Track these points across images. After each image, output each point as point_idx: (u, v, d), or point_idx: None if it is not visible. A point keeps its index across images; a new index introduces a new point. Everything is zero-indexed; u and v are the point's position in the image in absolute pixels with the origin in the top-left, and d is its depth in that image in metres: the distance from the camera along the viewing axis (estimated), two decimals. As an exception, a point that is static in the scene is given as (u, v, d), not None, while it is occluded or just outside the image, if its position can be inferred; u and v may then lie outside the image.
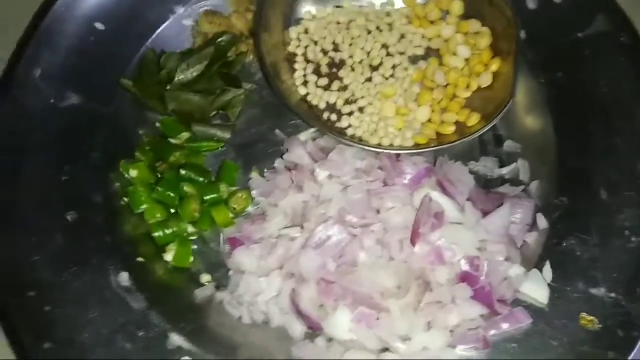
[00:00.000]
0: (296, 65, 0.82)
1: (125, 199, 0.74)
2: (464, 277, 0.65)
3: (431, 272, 0.65)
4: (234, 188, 0.77)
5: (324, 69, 0.82)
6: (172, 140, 0.77)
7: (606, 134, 0.73)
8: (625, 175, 0.70)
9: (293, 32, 0.83)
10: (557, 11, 0.79)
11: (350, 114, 0.79)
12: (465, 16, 0.81)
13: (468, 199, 0.70)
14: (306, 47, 0.83)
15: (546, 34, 0.79)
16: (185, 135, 0.78)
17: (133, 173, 0.74)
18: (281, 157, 0.78)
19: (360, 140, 0.77)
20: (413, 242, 0.66)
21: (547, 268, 0.68)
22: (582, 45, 0.77)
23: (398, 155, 0.74)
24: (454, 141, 0.73)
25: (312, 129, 0.78)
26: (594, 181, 0.71)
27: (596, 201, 0.70)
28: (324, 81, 0.81)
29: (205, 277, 0.73)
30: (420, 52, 0.82)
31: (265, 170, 0.78)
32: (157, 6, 0.81)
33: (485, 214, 0.69)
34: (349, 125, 0.78)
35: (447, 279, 0.66)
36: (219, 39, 0.79)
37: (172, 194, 0.73)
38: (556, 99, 0.76)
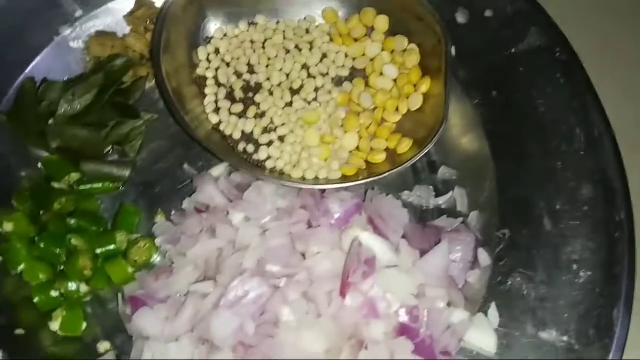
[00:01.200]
0: (206, 90, 0.72)
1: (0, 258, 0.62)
2: (403, 330, 0.57)
3: (365, 326, 0.57)
4: (134, 236, 0.66)
5: (238, 94, 0.72)
6: (56, 185, 0.65)
7: (546, 157, 0.67)
8: (568, 203, 0.64)
9: (202, 52, 0.73)
10: (488, 26, 0.73)
11: (269, 144, 0.70)
12: (392, 32, 0.74)
13: (403, 237, 0.63)
14: (217, 69, 0.73)
15: (478, 50, 0.72)
16: (74, 176, 0.66)
17: (8, 226, 0.62)
18: (189, 196, 0.68)
19: (281, 174, 0.68)
20: (343, 293, 0.57)
21: (493, 310, 0.61)
22: (516, 62, 0.71)
23: (323, 190, 0.65)
24: (385, 172, 0.65)
25: (226, 163, 0.69)
26: (536, 210, 0.65)
27: (540, 233, 0.64)
28: (238, 107, 0.71)
29: (103, 345, 0.62)
30: (344, 72, 0.74)
31: (173, 212, 0.68)
32: (39, 27, 0.70)
33: (422, 252, 0.62)
34: (268, 157, 0.69)
35: (384, 333, 0.57)
36: (110, 63, 0.68)
37: (56, 250, 0.62)
38: (491, 120, 0.70)
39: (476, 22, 0.73)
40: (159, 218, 0.67)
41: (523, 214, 0.65)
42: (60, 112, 0.65)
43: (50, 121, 0.66)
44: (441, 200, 0.69)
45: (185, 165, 0.70)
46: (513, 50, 0.71)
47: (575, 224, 0.64)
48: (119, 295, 0.63)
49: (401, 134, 0.70)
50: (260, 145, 0.70)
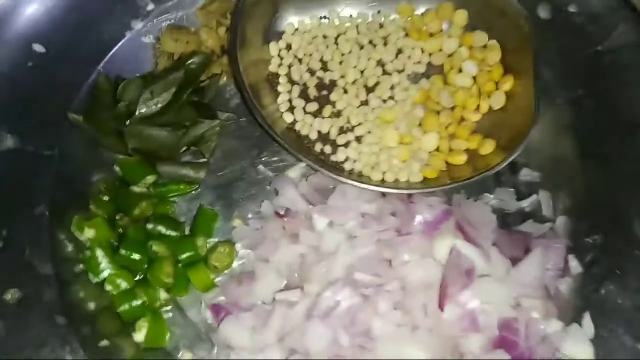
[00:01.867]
0: (280, 88, 0.70)
1: (81, 266, 0.60)
2: (501, 343, 0.56)
3: (463, 340, 0.56)
4: (213, 241, 0.64)
5: (313, 92, 0.70)
6: (135, 188, 0.63)
7: (636, 159, 0.65)
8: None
9: (273, 48, 0.71)
10: (573, 21, 0.69)
11: (346, 145, 0.68)
12: (471, 27, 0.71)
13: (493, 244, 0.61)
14: (290, 66, 0.71)
15: (562, 47, 0.69)
16: (150, 179, 0.64)
17: (89, 233, 0.60)
18: (269, 200, 0.66)
19: (360, 176, 0.66)
20: (442, 305, 0.55)
21: (587, 321, 0.60)
22: (602, 59, 0.68)
23: (409, 195, 0.63)
24: (471, 177, 0.63)
25: (303, 164, 0.67)
26: (627, 214, 0.63)
27: (632, 238, 0.62)
28: (313, 106, 0.69)
29: (186, 355, 0.60)
30: (421, 69, 0.72)
31: (250, 216, 0.66)
32: (111, 22, 0.68)
33: (512, 260, 0.60)
34: (347, 159, 0.67)
35: (481, 345, 0.56)
36: (189, 61, 0.66)
37: (138, 257, 0.60)
38: (577, 120, 0.68)
39: (560, 17, 0.70)
40: (237, 222, 0.66)
41: (614, 219, 0.63)
42: (138, 113, 0.63)
43: (127, 122, 0.63)
44: (525, 204, 0.67)
45: (260, 167, 0.68)
46: (599, 47, 0.68)
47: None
48: (202, 301, 0.62)
49: (482, 135, 0.68)
50: (338, 146, 0.68)
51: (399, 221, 0.61)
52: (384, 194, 0.64)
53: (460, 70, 0.71)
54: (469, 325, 0.55)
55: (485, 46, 0.71)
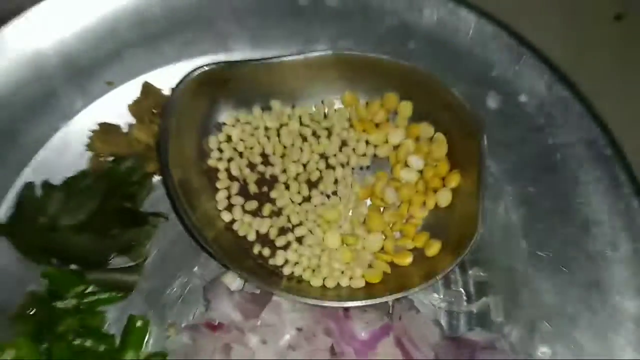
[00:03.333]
0: (218, 185, 0.67)
1: (0, 391, 0.58)
2: None
3: None
4: (145, 353, 0.61)
5: (253, 188, 0.67)
6: (61, 303, 0.60)
7: (589, 265, 0.62)
8: (612, 320, 0.59)
9: (213, 141, 0.68)
10: (523, 112, 0.67)
11: (286, 247, 0.65)
12: (417, 119, 0.68)
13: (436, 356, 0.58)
14: (229, 160, 0.68)
15: (511, 139, 0.67)
16: (79, 288, 0.62)
17: (10, 354, 0.57)
18: (201, 309, 0.63)
19: (300, 282, 0.63)
20: None
21: None
22: (553, 154, 0.65)
23: (347, 308, 0.60)
24: (416, 287, 0.60)
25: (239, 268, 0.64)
26: (578, 327, 0.60)
27: (582, 353, 0.59)
28: (252, 204, 0.66)
29: None
30: (366, 162, 0.69)
31: (184, 324, 0.63)
32: (38, 123, 0.65)
33: (456, 374, 0.57)
34: (286, 262, 0.64)
35: None
36: (120, 165, 0.63)
37: (64, 378, 0.57)
38: (528, 219, 0.65)
39: (509, 108, 0.67)
40: (171, 331, 0.63)
41: (565, 331, 0.60)
42: (62, 224, 0.60)
43: (51, 233, 0.61)
44: (474, 307, 0.64)
45: (196, 269, 0.66)
46: (550, 141, 0.66)
47: (621, 342, 0.59)
48: (129, 423, 0.59)
49: (429, 233, 0.65)
50: (277, 248, 0.65)
51: (333, 341, 0.58)
52: (320, 308, 0.61)
53: (406, 164, 0.68)
54: None
55: (431, 139, 0.68)
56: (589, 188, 0.64)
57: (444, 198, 0.66)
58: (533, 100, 0.67)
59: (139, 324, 0.62)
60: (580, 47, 0.78)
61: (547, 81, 0.67)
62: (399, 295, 0.60)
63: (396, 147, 0.69)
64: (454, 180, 0.66)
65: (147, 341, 0.62)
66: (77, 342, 0.60)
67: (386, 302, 0.62)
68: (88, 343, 0.60)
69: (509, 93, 0.67)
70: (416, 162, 0.67)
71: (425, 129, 0.68)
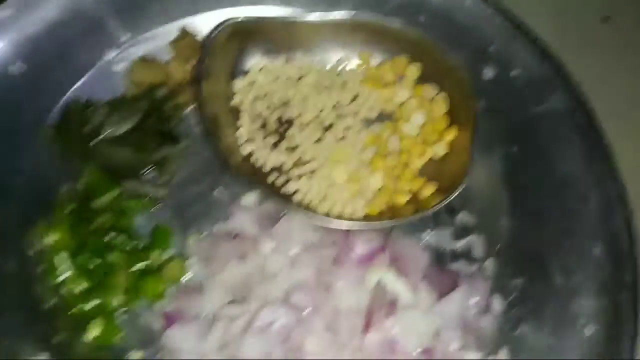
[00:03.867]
0: (241, 121, 0.76)
1: (42, 267, 0.65)
2: (419, 368, 0.61)
3: (384, 362, 0.60)
4: (168, 255, 0.69)
5: (272, 127, 0.76)
6: (98, 201, 0.68)
7: (562, 216, 0.71)
8: (580, 261, 0.68)
9: (238, 84, 0.77)
10: (514, 84, 0.77)
11: (298, 177, 0.74)
12: (422, 80, 0.78)
13: (423, 279, 0.66)
14: (252, 101, 0.77)
15: (502, 106, 0.76)
16: (113, 193, 0.69)
17: (52, 239, 0.65)
18: (222, 222, 0.71)
19: (307, 208, 0.72)
20: (366, 330, 0.60)
21: (503, 355, 0.65)
22: (537, 121, 0.75)
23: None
24: (408, 216, 0.69)
25: (256, 192, 0.72)
26: (548, 264, 0.69)
27: (551, 286, 0.68)
28: (270, 140, 0.75)
29: (135, 355, 0.64)
30: (373, 114, 0.78)
31: (204, 234, 0.71)
32: (85, 50, 0.73)
33: (439, 294, 0.66)
34: (297, 190, 0.73)
35: (400, 370, 0.61)
36: (155, 91, 0.72)
37: (95, 264, 0.65)
38: (511, 174, 0.74)
39: (502, 79, 0.77)
40: (191, 239, 0.70)
41: (536, 267, 0.69)
42: (105, 134, 0.68)
43: (93, 141, 0.69)
44: (458, 245, 0.73)
45: (218, 190, 0.73)
46: (536, 109, 0.76)
47: (584, 281, 0.67)
48: (153, 308, 0.66)
49: (425, 178, 0.74)
50: (290, 178, 0.74)
51: (337, 251, 0.66)
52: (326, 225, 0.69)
53: (409, 119, 0.77)
54: (388, 350, 0.60)
55: (433, 99, 0.78)
56: (566, 151, 0.73)
57: (440, 149, 0.75)
58: (523, 73, 0.77)
59: (164, 229, 0.69)
60: (568, 47, 0.87)
61: (536, 59, 0.77)
62: (394, 222, 0.69)
63: (402, 104, 0.78)
64: (451, 134, 0.75)
65: (170, 246, 0.70)
66: (109, 237, 0.67)
67: (383, 230, 0.71)
68: (118, 239, 0.67)
69: (503, 67, 0.77)
70: (418, 117, 0.77)
71: (429, 90, 0.78)
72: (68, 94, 0.72)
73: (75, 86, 0.73)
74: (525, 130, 0.76)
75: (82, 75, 0.73)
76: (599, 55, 0.87)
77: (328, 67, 0.79)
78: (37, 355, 0.60)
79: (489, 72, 0.78)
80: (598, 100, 0.74)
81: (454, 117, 0.76)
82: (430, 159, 0.76)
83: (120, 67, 0.75)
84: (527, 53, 0.77)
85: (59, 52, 0.72)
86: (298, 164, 0.74)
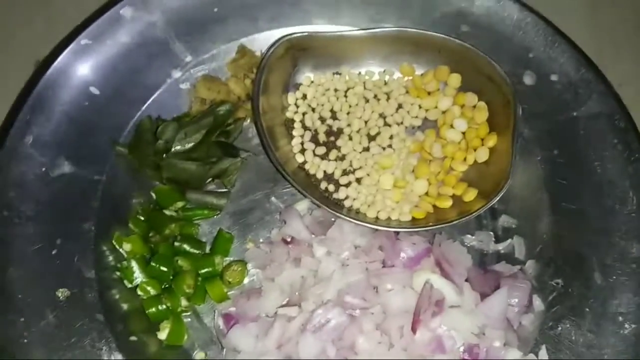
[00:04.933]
0: (294, 132, 0.82)
1: (119, 274, 0.72)
2: (464, 365, 0.66)
3: (431, 359, 0.65)
4: (228, 260, 0.76)
5: (322, 137, 0.81)
6: (167, 212, 0.75)
7: (601, 216, 0.74)
8: (618, 260, 0.71)
9: (291, 97, 0.83)
10: (554, 89, 0.79)
11: (347, 185, 0.79)
12: (463, 89, 0.82)
13: (466, 280, 0.71)
14: (304, 113, 0.82)
15: (542, 111, 0.79)
16: (179, 204, 0.76)
17: (127, 247, 0.72)
18: (278, 228, 0.77)
19: (357, 213, 0.77)
20: (414, 329, 0.65)
21: (543, 353, 0.69)
22: (577, 125, 0.78)
23: (397, 232, 0.74)
24: (453, 220, 0.73)
25: (309, 199, 0.78)
26: (588, 264, 0.72)
27: (590, 285, 0.71)
28: (321, 150, 0.80)
29: (199, 355, 0.71)
30: (417, 122, 0.82)
31: (261, 240, 0.77)
32: (155, 70, 0.80)
33: (482, 295, 0.70)
34: (347, 197, 0.78)
35: (447, 366, 0.66)
36: (218, 108, 0.78)
37: (166, 269, 0.72)
38: (552, 176, 0.77)
39: (542, 85, 0.80)
40: (250, 245, 0.77)
41: (576, 267, 0.72)
42: (174, 150, 0.75)
43: (163, 156, 0.76)
44: (501, 247, 0.77)
45: (273, 198, 0.79)
46: (575, 113, 0.78)
47: (624, 280, 0.70)
48: (215, 310, 0.73)
49: (467, 183, 0.78)
50: (340, 185, 0.79)
51: (385, 255, 0.71)
52: (375, 230, 0.74)
53: (451, 126, 0.81)
54: (436, 348, 0.65)
55: (474, 106, 0.81)
56: (604, 153, 0.76)
57: (482, 155, 0.79)
58: (562, 79, 0.79)
59: (225, 236, 0.76)
60: (606, 52, 0.88)
61: (575, 64, 0.79)
62: (439, 226, 0.74)
63: (444, 112, 0.82)
64: (492, 140, 0.79)
65: (230, 251, 0.76)
66: (177, 244, 0.74)
67: (429, 233, 0.75)
68: (185, 246, 0.74)
69: (542, 72, 0.80)
70: (461, 124, 0.81)
71: (470, 98, 0.81)
72: (140, 112, 0.79)
73: (145, 105, 0.79)
74: (565, 133, 0.78)
75: (152, 95, 0.80)
76: (636, 59, 0.88)
77: (373, 79, 0.84)
78: (113, 355, 0.68)
79: (528, 78, 0.81)
80: (636, 103, 0.76)
81: (495, 123, 0.80)
82: (473, 165, 0.79)
83: (185, 85, 0.81)
84: (565, 59, 0.80)
85: (131, 74, 0.79)
86: (347, 172, 0.80)
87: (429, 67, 0.83)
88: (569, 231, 0.75)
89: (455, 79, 0.82)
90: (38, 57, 0.86)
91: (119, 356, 0.68)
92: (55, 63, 0.75)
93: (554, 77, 0.80)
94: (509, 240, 0.77)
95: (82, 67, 0.76)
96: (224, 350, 0.71)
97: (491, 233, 0.78)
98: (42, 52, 0.85)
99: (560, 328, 0.70)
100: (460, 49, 0.80)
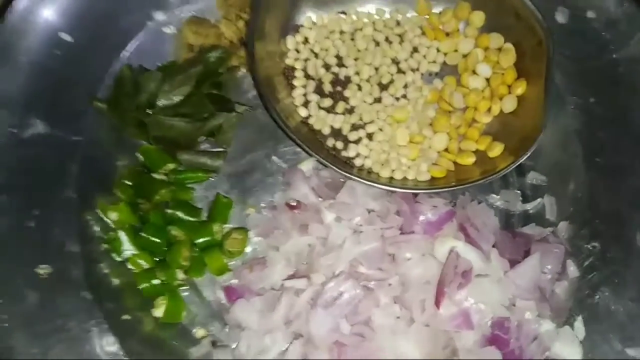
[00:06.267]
0: (295, 82, 0.72)
1: (106, 246, 0.65)
2: (493, 340, 0.59)
3: (457, 335, 0.59)
4: (228, 227, 0.68)
5: (327, 88, 0.72)
6: (156, 175, 0.67)
7: (640, 173, 0.66)
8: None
9: (290, 41, 0.73)
10: (590, 28, 0.70)
11: (357, 141, 0.70)
12: (487, 29, 0.72)
13: (493, 246, 0.64)
14: (306, 60, 0.73)
15: (577, 53, 0.70)
16: (170, 166, 0.68)
17: (113, 216, 0.65)
18: (281, 191, 0.69)
19: (369, 173, 0.69)
20: (438, 303, 0.59)
21: (579, 324, 0.63)
22: (617, 68, 0.69)
23: (415, 194, 0.66)
24: (478, 180, 0.65)
25: (315, 157, 0.70)
26: (628, 225, 0.65)
27: (632, 249, 0.64)
28: (327, 102, 0.71)
29: (199, 332, 0.65)
30: (435, 68, 0.73)
31: (263, 205, 0.70)
32: (133, 12, 0.70)
33: (511, 261, 0.63)
34: (357, 155, 0.70)
35: (474, 341, 0.59)
36: (208, 54, 0.68)
37: (159, 240, 0.64)
38: (587, 128, 0.69)
39: (577, 23, 0.71)
40: (251, 210, 0.69)
41: (615, 228, 0.65)
42: (159, 104, 0.66)
43: (148, 111, 0.67)
44: (529, 207, 0.70)
45: (274, 158, 0.71)
46: (615, 55, 0.69)
47: (668, 242, 0.64)
48: (216, 283, 0.66)
49: (492, 137, 0.70)
50: (350, 142, 0.70)
51: (403, 220, 0.64)
52: (390, 192, 0.66)
53: (474, 72, 0.72)
54: (462, 323, 0.58)
55: (500, 49, 0.72)
56: (647, 101, 0.68)
57: (509, 104, 0.70)
58: (600, 15, 0.70)
59: (223, 200, 0.68)
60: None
61: (615, -3, 0.69)
62: (462, 186, 0.66)
63: (465, 56, 0.73)
64: (520, 87, 0.70)
65: (229, 218, 0.69)
66: (169, 211, 0.66)
67: (451, 194, 0.68)
68: (179, 213, 0.66)
69: (577, 8, 0.70)
70: (484, 69, 0.71)
71: (495, 39, 0.72)
72: (118, 61, 0.69)
73: (124, 52, 0.70)
74: (603, 79, 0.70)
75: (130, 39, 0.70)
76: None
77: (384, 18, 0.74)
78: (104, 337, 0.61)
79: (561, 16, 0.71)
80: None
81: (523, 68, 0.70)
82: (498, 116, 0.71)
83: (169, 29, 0.72)
84: (604, -9, 0.70)
85: (106, 16, 0.69)
86: (356, 126, 0.71)
87: (447, 5, 0.73)
88: (605, 189, 0.67)
89: (478, 18, 0.72)
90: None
91: (111, 338, 0.61)
92: (17, 4, 0.64)
93: (590, 14, 0.70)
94: (538, 200, 0.70)
95: (49, 9, 0.66)
96: (227, 326, 0.64)
97: (518, 192, 0.70)
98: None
99: (597, 296, 0.63)
100: (483, -18, 0.70)
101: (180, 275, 0.65)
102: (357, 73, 0.72)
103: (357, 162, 0.70)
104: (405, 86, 0.72)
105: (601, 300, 0.63)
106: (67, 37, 0.67)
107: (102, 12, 0.68)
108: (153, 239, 0.64)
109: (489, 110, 0.71)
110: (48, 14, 0.66)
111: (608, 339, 0.62)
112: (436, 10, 0.74)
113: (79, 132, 0.67)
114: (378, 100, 0.72)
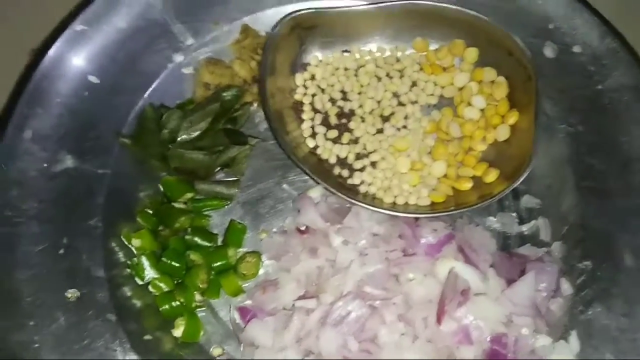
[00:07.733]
0: (304, 115, 0.78)
1: (129, 271, 0.70)
2: (492, 355, 0.63)
3: (457, 351, 0.63)
4: (242, 251, 0.73)
5: (333, 120, 0.78)
6: (176, 204, 0.72)
7: (629, 194, 0.70)
8: (649, 240, 0.68)
9: (299, 78, 0.79)
10: (577, 61, 0.75)
11: (362, 169, 0.75)
12: (481, 64, 0.78)
13: (490, 266, 0.68)
14: (313, 95, 0.79)
15: (565, 85, 0.75)
16: (188, 195, 0.73)
17: (136, 243, 0.70)
18: (291, 217, 0.74)
19: (373, 199, 0.74)
20: (439, 320, 0.63)
21: (574, 338, 0.66)
22: (602, 98, 0.74)
23: (417, 218, 0.70)
24: (475, 204, 0.70)
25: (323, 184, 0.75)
26: (617, 245, 0.69)
27: (621, 267, 0.68)
28: (333, 133, 0.77)
29: (216, 351, 0.69)
30: (433, 101, 0.79)
31: (275, 230, 0.74)
32: (155, 55, 0.76)
33: (508, 280, 0.67)
34: (362, 182, 0.75)
35: (474, 356, 0.63)
36: (224, 93, 0.74)
37: (178, 264, 0.69)
38: (576, 154, 0.74)
39: (564, 57, 0.76)
40: (263, 235, 0.74)
41: (605, 248, 0.69)
42: (179, 139, 0.72)
43: (169, 146, 0.72)
44: (525, 228, 0.74)
45: (285, 186, 0.76)
46: (600, 87, 0.74)
47: (655, 260, 0.67)
48: (231, 304, 0.70)
49: (488, 164, 0.75)
50: (355, 170, 0.75)
51: (405, 242, 0.68)
52: (393, 217, 0.71)
53: (469, 104, 0.77)
54: (462, 338, 0.62)
55: (493, 82, 0.77)
56: (631, 128, 0.72)
57: (503, 133, 0.75)
58: (586, 50, 0.75)
59: (238, 226, 0.73)
60: (631, 20, 0.83)
61: (598, 34, 0.75)
62: (460, 210, 0.70)
63: (461, 89, 0.78)
64: (513, 117, 0.75)
65: (243, 242, 0.73)
66: (188, 237, 0.71)
67: (450, 218, 0.72)
68: (197, 239, 0.71)
69: (564, 44, 0.76)
70: (479, 101, 0.77)
71: (488, 73, 0.77)
72: (142, 100, 0.75)
73: (147, 92, 0.76)
74: (590, 108, 0.74)
75: (154, 81, 0.76)
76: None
77: (385, 55, 0.80)
78: (127, 355, 0.65)
79: (550, 51, 0.76)
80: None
81: (515, 99, 0.76)
82: (493, 144, 0.76)
83: (188, 70, 0.77)
84: (588, 28, 0.75)
85: (130, 60, 0.75)
86: (361, 155, 0.76)
87: (443, 42, 0.79)
88: (596, 211, 0.71)
89: (472, 54, 0.78)
90: (33, 45, 0.82)
91: (134, 356, 0.65)
92: (50, 52, 0.71)
93: (576, 49, 0.76)
94: (533, 222, 0.74)
95: (78, 55, 0.72)
96: (242, 345, 0.68)
97: (514, 214, 0.75)
98: (37, 40, 0.81)
99: (590, 312, 0.67)
100: (475, 21, 0.75)
101: (197, 297, 0.70)
102: (361, 106, 0.78)
103: (362, 188, 0.75)
104: (406, 117, 0.78)
105: (594, 316, 0.67)
106: (94, 80, 0.73)
107: (126, 56, 0.74)
108: (173, 263, 0.69)
109: (484, 138, 0.76)
110: (77, 60, 0.72)
111: (601, 352, 0.65)
112: (433, 47, 0.79)
113: (105, 165, 0.72)
114: (380, 131, 0.77)
